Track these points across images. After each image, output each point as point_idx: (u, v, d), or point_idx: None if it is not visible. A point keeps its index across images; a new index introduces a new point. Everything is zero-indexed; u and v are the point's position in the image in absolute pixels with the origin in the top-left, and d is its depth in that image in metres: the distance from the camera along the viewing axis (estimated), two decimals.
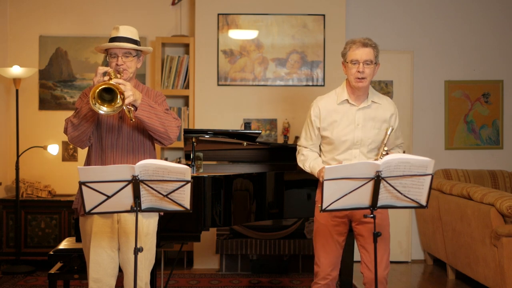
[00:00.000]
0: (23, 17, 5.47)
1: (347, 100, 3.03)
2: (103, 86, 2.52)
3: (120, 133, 2.81)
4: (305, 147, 3.15)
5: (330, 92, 3.16)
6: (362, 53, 2.94)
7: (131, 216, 2.75)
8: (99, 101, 2.53)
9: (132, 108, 2.65)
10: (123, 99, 2.54)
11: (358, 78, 2.94)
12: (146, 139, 2.85)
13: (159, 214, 2.90)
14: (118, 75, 2.71)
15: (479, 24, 5.64)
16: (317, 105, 3.09)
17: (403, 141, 3.26)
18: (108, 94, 2.55)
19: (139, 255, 2.69)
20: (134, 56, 2.82)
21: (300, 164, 3.15)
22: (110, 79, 2.60)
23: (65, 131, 2.78)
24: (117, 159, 2.80)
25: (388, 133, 2.98)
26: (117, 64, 2.77)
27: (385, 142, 2.99)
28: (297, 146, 3.20)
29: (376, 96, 3.09)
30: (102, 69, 2.65)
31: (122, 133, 2.81)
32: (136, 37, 2.86)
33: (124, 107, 2.59)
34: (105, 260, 2.76)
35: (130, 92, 2.57)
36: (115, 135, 2.81)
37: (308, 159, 3.08)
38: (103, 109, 2.53)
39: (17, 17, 5.47)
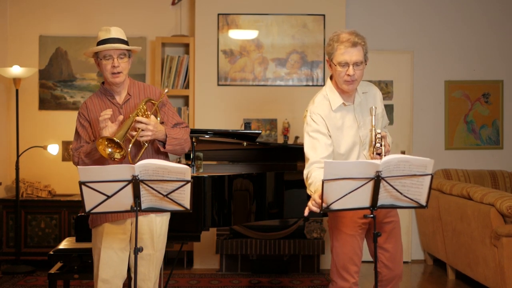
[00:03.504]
0: (23, 17, 5.47)
1: (343, 103, 2.78)
2: (111, 138, 2.55)
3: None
4: (317, 161, 2.68)
5: (316, 97, 2.83)
6: (351, 55, 2.65)
7: (146, 218, 2.77)
8: (105, 142, 2.56)
9: (146, 145, 2.71)
10: (123, 155, 2.57)
11: (348, 81, 2.69)
12: (162, 156, 2.89)
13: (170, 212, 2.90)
14: (146, 111, 2.70)
15: (479, 24, 5.64)
16: (316, 113, 2.76)
17: (388, 120, 3.05)
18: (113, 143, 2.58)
19: (149, 256, 2.76)
20: (128, 58, 2.80)
21: (308, 190, 2.70)
22: (137, 115, 2.64)
23: (76, 163, 2.75)
24: None
25: (373, 113, 2.70)
26: (113, 66, 2.71)
27: (373, 123, 2.71)
28: (305, 169, 2.73)
29: (362, 85, 2.85)
30: (104, 116, 2.62)
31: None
32: (125, 37, 2.81)
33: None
34: (115, 261, 2.76)
35: (149, 133, 2.64)
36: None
37: (315, 182, 2.60)
38: (108, 150, 2.57)
39: (17, 17, 5.47)
